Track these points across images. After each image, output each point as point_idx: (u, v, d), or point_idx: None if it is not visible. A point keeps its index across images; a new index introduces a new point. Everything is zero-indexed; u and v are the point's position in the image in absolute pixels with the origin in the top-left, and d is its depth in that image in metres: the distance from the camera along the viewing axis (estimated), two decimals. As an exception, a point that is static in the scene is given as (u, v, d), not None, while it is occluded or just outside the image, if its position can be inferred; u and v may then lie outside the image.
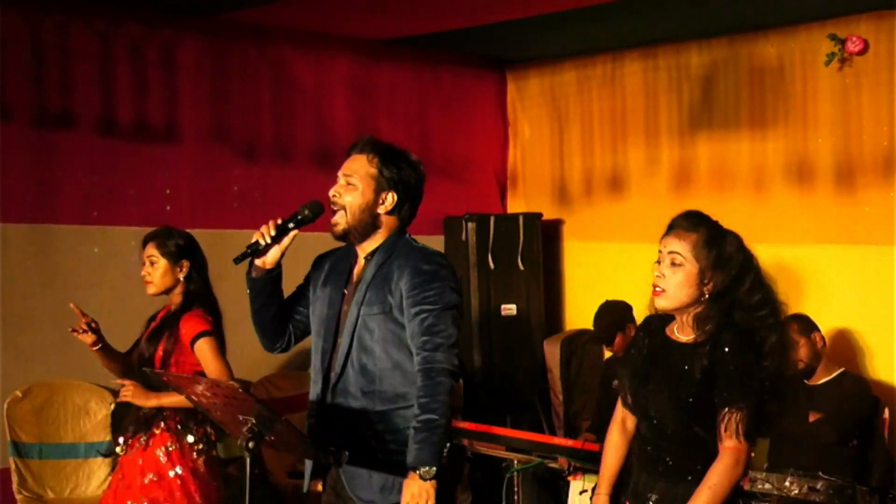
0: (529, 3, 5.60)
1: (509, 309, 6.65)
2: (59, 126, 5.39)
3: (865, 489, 4.29)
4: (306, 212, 3.31)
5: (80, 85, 5.45)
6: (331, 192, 3.31)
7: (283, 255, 3.30)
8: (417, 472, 3.08)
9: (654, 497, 2.97)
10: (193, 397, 3.28)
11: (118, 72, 5.57)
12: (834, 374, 5.11)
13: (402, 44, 6.56)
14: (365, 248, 3.34)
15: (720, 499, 2.85)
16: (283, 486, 5.63)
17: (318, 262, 3.49)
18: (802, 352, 5.06)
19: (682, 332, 3.04)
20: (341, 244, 3.42)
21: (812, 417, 5.00)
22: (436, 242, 6.73)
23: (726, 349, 2.89)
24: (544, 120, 7.17)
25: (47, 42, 5.35)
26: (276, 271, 3.34)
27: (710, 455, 2.90)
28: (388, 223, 3.32)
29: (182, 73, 5.80)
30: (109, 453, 4.28)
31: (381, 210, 3.29)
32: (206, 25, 5.83)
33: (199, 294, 4.12)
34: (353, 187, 3.28)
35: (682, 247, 2.95)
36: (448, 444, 3.16)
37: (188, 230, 5.14)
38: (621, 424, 3.22)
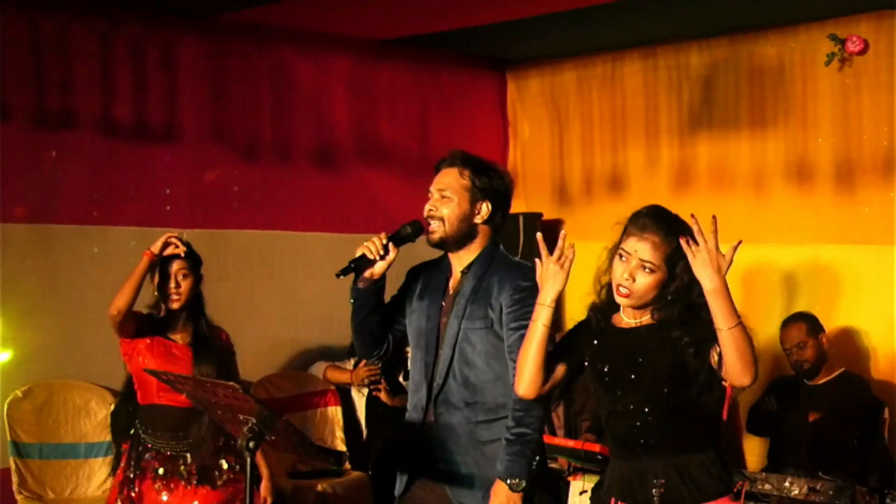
0: (529, 3, 5.60)
1: (509, 309, 6.64)
2: (59, 126, 5.39)
3: (865, 489, 4.30)
4: (409, 230, 3.40)
5: (80, 85, 5.45)
6: (427, 207, 3.39)
7: (389, 266, 3.37)
8: (507, 482, 3.17)
9: (659, 482, 2.96)
10: (194, 397, 3.29)
11: (118, 72, 5.57)
12: (834, 374, 5.12)
13: (402, 44, 6.56)
14: (462, 260, 3.40)
15: (742, 344, 2.80)
16: (283, 486, 5.63)
17: (413, 274, 3.55)
18: (809, 353, 5.07)
19: (630, 318, 3.06)
20: (433, 256, 3.50)
21: (812, 417, 5.01)
22: (436, 242, 6.73)
23: (689, 313, 2.93)
24: (544, 120, 7.17)
25: (47, 42, 5.35)
26: (381, 282, 3.41)
27: (698, 416, 2.96)
28: (483, 232, 3.41)
29: (182, 73, 5.80)
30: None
31: (477, 220, 3.39)
32: (206, 25, 5.83)
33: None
34: (449, 199, 3.37)
35: (656, 256, 2.96)
36: (538, 458, 3.22)
37: (188, 230, 5.17)
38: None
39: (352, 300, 3.44)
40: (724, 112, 6.27)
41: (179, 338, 4.24)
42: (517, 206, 7.23)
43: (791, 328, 5.14)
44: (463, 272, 3.39)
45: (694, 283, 2.89)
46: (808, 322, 5.11)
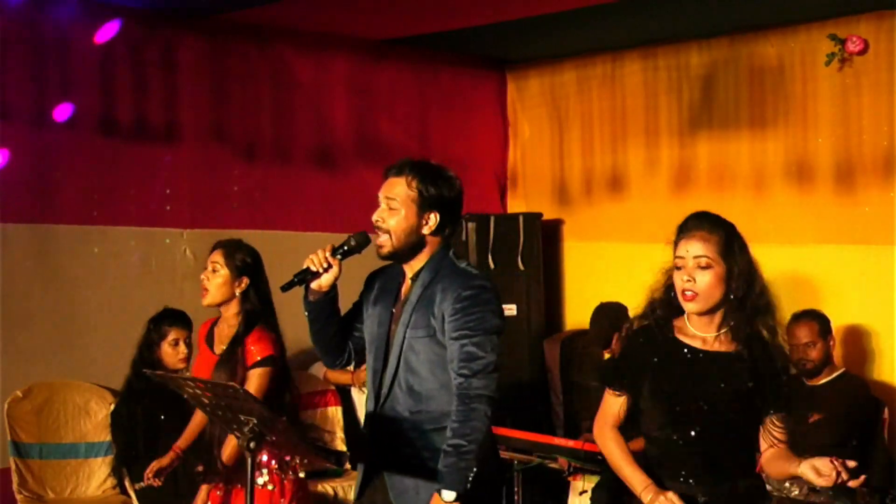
0: (529, 3, 5.60)
1: (509, 309, 6.64)
2: (59, 126, 5.39)
3: (865, 489, 4.30)
4: (353, 242, 3.35)
5: (81, 85, 5.45)
6: (374, 217, 3.34)
7: (336, 278, 3.33)
8: (442, 494, 3.14)
9: (702, 499, 2.97)
10: (195, 399, 3.28)
11: (118, 72, 5.57)
12: (835, 375, 5.12)
13: (402, 44, 6.56)
14: (412, 267, 3.37)
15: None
16: (283, 486, 5.63)
17: (370, 279, 3.53)
18: (816, 353, 5.06)
19: (704, 335, 3.02)
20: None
21: (812, 418, 5.00)
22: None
23: (775, 357, 2.99)
24: (544, 120, 7.17)
25: (47, 42, 5.34)
26: (332, 293, 3.37)
27: (745, 448, 3.03)
28: (432, 242, 3.35)
29: (182, 73, 5.80)
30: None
31: (425, 231, 3.32)
32: (206, 25, 5.83)
33: (260, 315, 3.99)
34: (396, 211, 3.30)
35: (708, 249, 2.96)
36: (475, 470, 3.17)
37: (188, 230, 5.15)
38: (615, 424, 3.17)
39: (305, 312, 3.41)
40: (724, 112, 6.28)
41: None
42: (517, 206, 7.28)
43: (802, 325, 5.11)
44: (412, 279, 3.36)
45: (749, 288, 2.95)
46: (820, 322, 5.10)
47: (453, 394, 3.22)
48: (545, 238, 6.89)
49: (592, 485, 5.12)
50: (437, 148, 6.87)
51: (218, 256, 4.00)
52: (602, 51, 6.74)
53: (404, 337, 3.30)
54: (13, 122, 5.24)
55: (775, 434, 2.98)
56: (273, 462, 3.88)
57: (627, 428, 5.06)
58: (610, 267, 6.73)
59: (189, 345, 5.12)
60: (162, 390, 4.74)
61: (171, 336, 5.10)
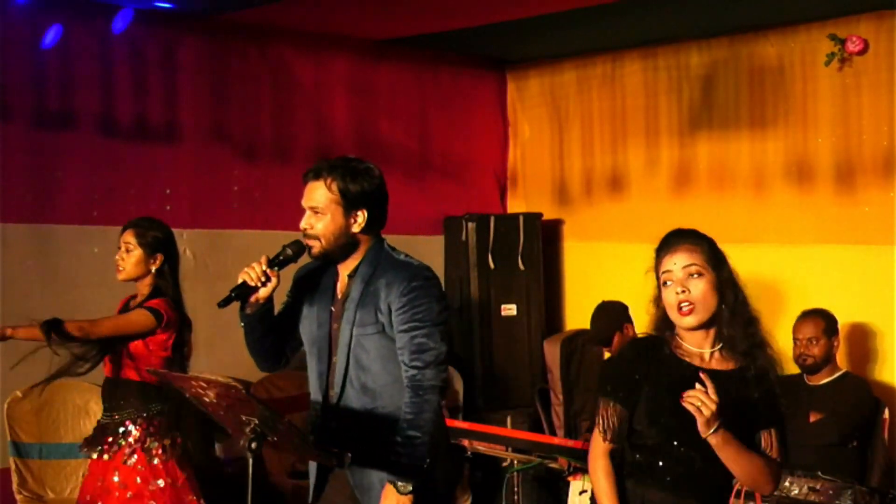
0: (529, 3, 5.60)
1: (509, 309, 6.65)
2: (59, 126, 5.39)
3: (865, 489, 4.30)
4: (289, 252, 3.33)
5: (80, 85, 5.45)
6: (301, 225, 3.31)
7: (275, 289, 3.29)
8: (395, 485, 3.13)
9: None
10: (195, 398, 3.28)
11: (118, 72, 5.56)
12: (836, 375, 5.12)
13: (402, 44, 6.56)
14: (347, 265, 3.34)
15: (760, 477, 2.88)
16: (282, 486, 5.63)
17: (299, 277, 3.48)
18: (818, 350, 5.05)
19: (702, 351, 2.94)
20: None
21: (813, 418, 5.00)
22: (436, 242, 6.73)
23: (769, 370, 2.93)
24: (544, 120, 7.17)
25: (48, 42, 5.34)
26: (268, 304, 3.34)
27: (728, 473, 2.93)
28: (364, 238, 3.32)
29: (182, 73, 5.80)
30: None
31: (355, 229, 3.29)
32: (206, 25, 5.83)
33: (167, 289, 4.16)
34: (322, 216, 3.27)
35: (697, 258, 2.90)
36: (428, 461, 3.17)
37: (188, 230, 5.15)
38: (607, 452, 3.00)
39: (241, 324, 3.37)
40: (724, 112, 6.28)
41: None
42: (517, 206, 7.28)
43: (808, 321, 5.12)
44: (350, 275, 3.32)
45: (736, 297, 2.89)
46: (826, 321, 5.10)
47: (405, 386, 3.21)
48: (545, 238, 6.89)
49: (592, 485, 5.12)
50: (437, 148, 6.87)
51: (130, 237, 4.19)
52: (602, 51, 6.74)
53: (351, 335, 3.27)
54: (13, 122, 5.24)
55: (769, 451, 2.91)
56: (139, 439, 4.03)
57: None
58: (610, 267, 6.72)
59: (189, 345, 5.12)
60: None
61: (171, 336, 5.09)
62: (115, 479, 4.06)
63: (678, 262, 2.90)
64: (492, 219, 6.65)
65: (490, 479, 5.98)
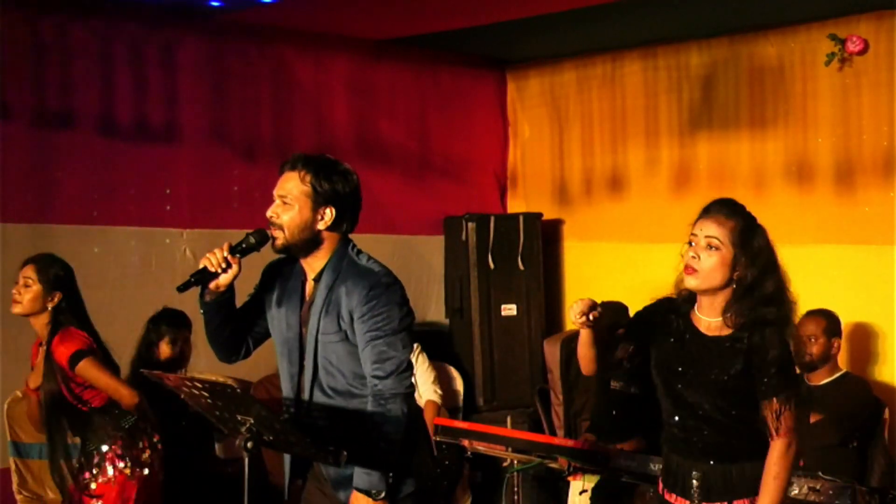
0: (529, 3, 5.60)
1: (509, 309, 6.65)
2: (59, 126, 5.39)
3: (865, 489, 4.29)
4: (252, 240, 3.31)
5: (80, 85, 5.45)
6: (268, 213, 3.29)
7: (234, 278, 3.29)
8: (369, 493, 3.16)
9: (697, 475, 3.11)
10: (192, 399, 3.28)
11: (118, 72, 5.57)
12: (836, 375, 5.11)
13: (402, 44, 6.56)
14: (312, 266, 3.33)
15: (785, 484, 3.06)
16: (282, 486, 5.62)
17: (268, 274, 3.47)
18: (816, 349, 5.05)
19: (709, 319, 3.16)
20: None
21: (813, 418, 5.00)
22: (436, 242, 6.74)
23: (768, 344, 3.06)
24: (544, 120, 7.17)
25: (47, 42, 5.35)
26: (229, 293, 3.33)
27: (750, 433, 3.09)
28: (330, 238, 3.31)
29: (182, 73, 5.80)
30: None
31: (320, 226, 3.28)
32: (206, 25, 5.83)
33: (64, 317, 4.18)
34: (290, 206, 3.26)
35: (720, 231, 3.09)
36: (393, 467, 3.20)
37: (188, 230, 5.15)
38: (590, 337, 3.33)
39: (201, 312, 3.37)
40: (724, 112, 6.27)
41: None
42: (517, 206, 7.28)
43: (811, 319, 5.12)
44: (315, 280, 3.32)
45: (759, 278, 3.06)
46: (828, 321, 5.10)
47: (368, 395, 3.22)
48: (545, 238, 6.89)
49: (592, 485, 5.12)
50: (437, 148, 6.87)
51: (30, 272, 4.18)
52: (602, 51, 6.74)
53: (316, 340, 3.27)
54: (13, 122, 5.24)
55: (768, 423, 3.05)
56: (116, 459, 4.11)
57: (626, 428, 5.07)
58: (610, 267, 6.73)
59: (189, 344, 5.13)
60: (160, 390, 4.74)
61: (170, 336, 5.10)
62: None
63: (704, 230, 3.11)
64: (492, 219, 6.64)
65: (490, 479, 5.98)
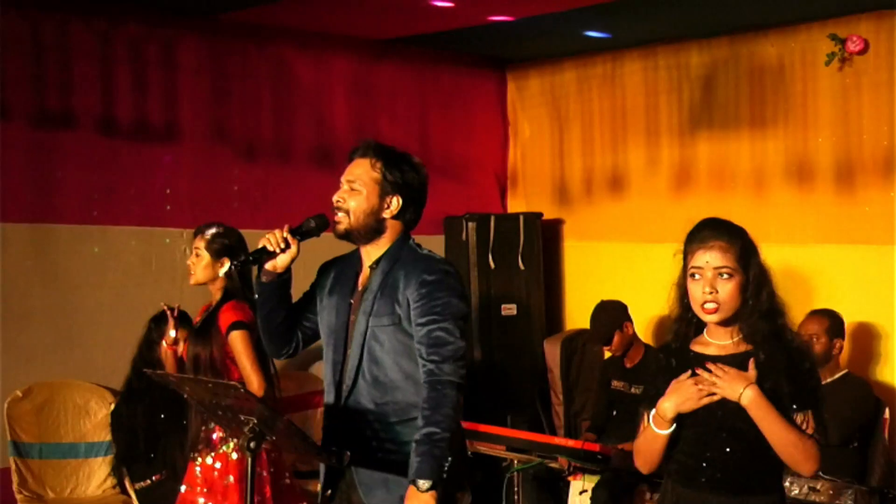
0: (529, 3, 5.60)
1: (509, 309, 6.65)
2: (59, 126, 5.39)
3: (865, 489, 4.30)
4: (312, 224, 3.29)
5: (80, 85, 5.45)
6: (334, 198, 3.29)
7: (293, 260, 3.27)
8: (418, 484, 3.06)
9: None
10: (194, 398, 3.28)
11: (118, 72, 5.57)
12: (837, 376, 5.11)
13: (402, 44, 6.56)
14: (370, 255, 3.31)
15: (788, 440, 2.87)
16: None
17: (324, 269, 3.46)
18: (817, 348, 5.05)
19: (720, 342, 2.98)
20: (345, 251, 3.42)
21: (813, 418, 5.00)
22: (436, 242, 6.73)
23: (792, 359, 2.93)
24: (544, 120, 7.17)
25: (47, 42, 5.35)
26: (286, 275, 3.30)
27: (773, 462, 2.93)
28: (392, 227, 3.29)
29: (182, 73, 5.80)
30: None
31: (385, 214, 3.27)
32: (206, 25, 5.83)
33: (238, 291, 4.22)
34: (358, 192, 3.26)
35: (727, 259, 2.90)
36: (450, 458, 3.11)
37: (188, 230, 5.14)
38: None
39: (256, 294, 3.36)
40: (724, 112, 6.28)
41: None
42: (517, 206, 7.28)
43: (814, 319, 5.12)
44: (371, 267, 3.29)
45: (760, 291, 2.93)
46: (831, 321, 5.10)
47: (420, 383, 3.16)
48: (545, 238, 6.89)
49: (592, 485, 5.12)
50: (437, 148, 6.87)
51: (199, 242, 4.29)
52: (602, 51, 6.74)
53: (367, 326, 3.23)
54: (13, 122, 5.24)
55: (805, 428, 2.90)
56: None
57: (627, 428, 5.05)
58: (610, 267, 6.73)
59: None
60: (162, 390, 4.74)
61: (171, 336, 5.10)
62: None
63: (710, 262, 2.90)
64: (492, 218, 6.65)
65: (490, 479, 5.98)
